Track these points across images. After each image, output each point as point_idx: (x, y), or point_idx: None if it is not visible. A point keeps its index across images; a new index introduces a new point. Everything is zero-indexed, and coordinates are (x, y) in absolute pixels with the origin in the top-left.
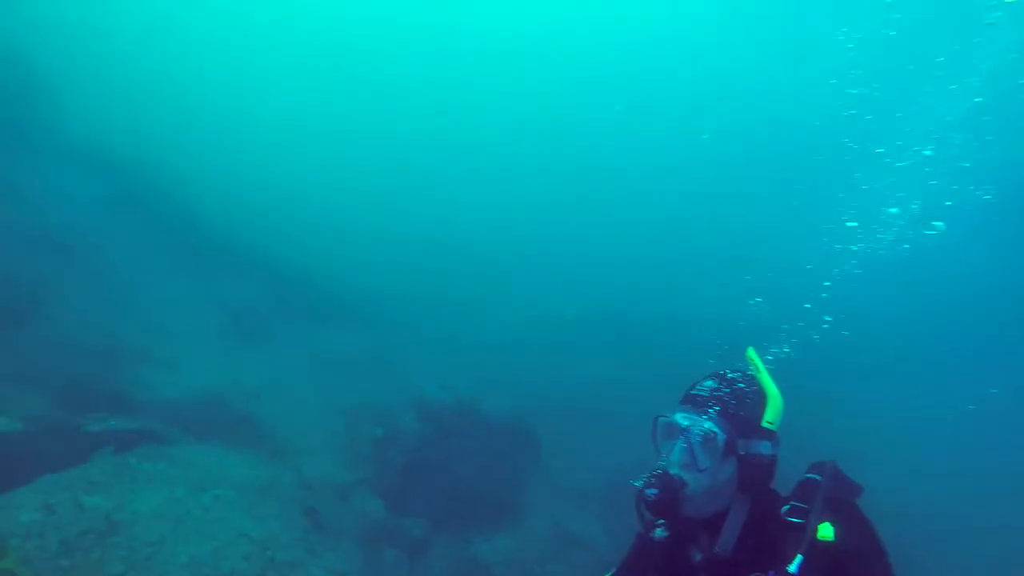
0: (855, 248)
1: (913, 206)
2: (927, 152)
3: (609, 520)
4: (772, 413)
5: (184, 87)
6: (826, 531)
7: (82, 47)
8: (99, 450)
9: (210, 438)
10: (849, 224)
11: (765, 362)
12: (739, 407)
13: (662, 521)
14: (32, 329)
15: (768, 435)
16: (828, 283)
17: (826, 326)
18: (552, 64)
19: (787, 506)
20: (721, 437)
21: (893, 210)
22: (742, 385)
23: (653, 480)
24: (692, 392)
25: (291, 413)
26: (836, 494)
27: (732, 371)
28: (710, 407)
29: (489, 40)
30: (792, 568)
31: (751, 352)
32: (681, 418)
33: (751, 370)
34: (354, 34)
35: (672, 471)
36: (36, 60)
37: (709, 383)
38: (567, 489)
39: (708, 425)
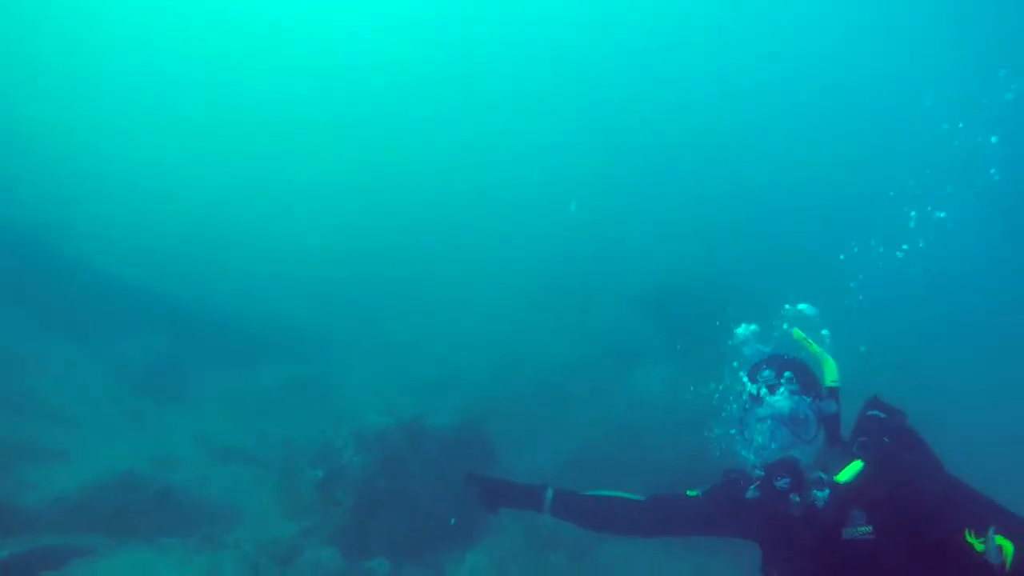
0: None
1: None
2: None
3: None
4: (832, 374)
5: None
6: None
7: None
8: None
9: (126, 535)
10: None
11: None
12: (807, 376)
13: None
14: None
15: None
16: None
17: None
18: None
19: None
20: (811, 408)
21: None
22: (797, 358)
23: (777, 470)
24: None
25: (219, 475)
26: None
27: (779, 353)
28: (782, 384)
29: None
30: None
31: (797, 332)
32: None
33: (799, 344)
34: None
35: (783, 455)
36: None
37: (767, 371)
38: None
39: (791, 402)
